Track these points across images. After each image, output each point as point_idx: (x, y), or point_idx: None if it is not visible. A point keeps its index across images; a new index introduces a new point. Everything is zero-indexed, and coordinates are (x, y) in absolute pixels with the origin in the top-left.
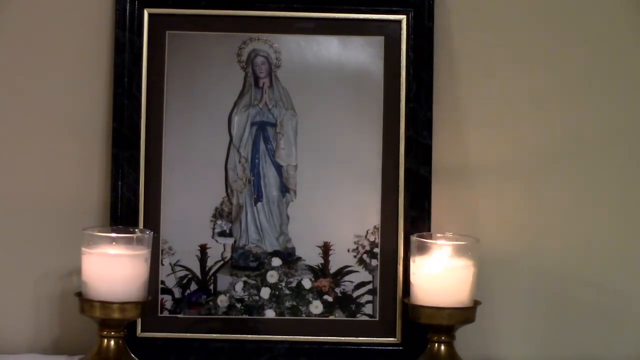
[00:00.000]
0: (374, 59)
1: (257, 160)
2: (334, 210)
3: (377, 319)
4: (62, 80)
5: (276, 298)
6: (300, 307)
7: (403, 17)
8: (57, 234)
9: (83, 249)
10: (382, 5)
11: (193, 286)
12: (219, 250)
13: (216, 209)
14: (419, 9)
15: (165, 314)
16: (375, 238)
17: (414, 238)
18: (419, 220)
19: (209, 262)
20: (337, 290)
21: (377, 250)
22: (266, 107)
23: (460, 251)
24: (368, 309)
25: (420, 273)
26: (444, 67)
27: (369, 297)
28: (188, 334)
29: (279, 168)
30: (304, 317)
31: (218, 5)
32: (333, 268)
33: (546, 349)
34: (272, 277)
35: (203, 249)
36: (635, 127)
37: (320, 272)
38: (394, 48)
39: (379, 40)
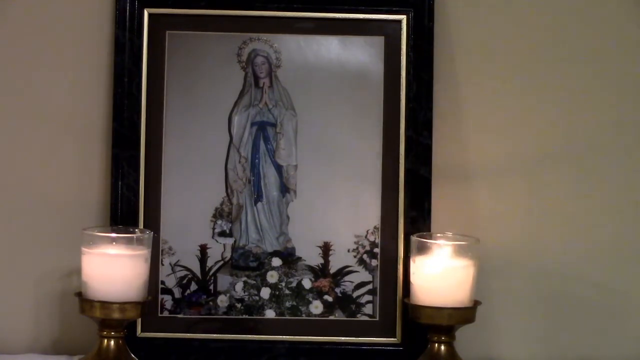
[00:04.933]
0: (374, 59)
1: (257, 160)
2: (334, 210)
3: (377, 319)
4: (62, 80)
5: (276, 298)
6: (300, 307)
7: (403, 17)
8: (57, 234)
9: (83, 249)
10: (382, 5)
11: (193, 286)
12: (219, 250)
13: (216, 209)
14: (419, 9)
15: (165, 314)
16: (375, 238)
17: (414, 238)
18: (419, 220)
19: (209, 262)
20: (337, 290)
21: (377, 250)
22: (266, 107)
23: (460, 251)
24: (368, 309)
25: (420, 273)
26: (444, 67)
27: (369, 297)
28: (188, 334)
29: (279, 168)
30: (304, 317)
31: (218, 5)
32: (333, 268)
33: (546, 349)
34: (272, 277)
35: (203, 249)
36: (636, 126)
37: (320, 272)
38: (394, 48)
39: (379, 40)
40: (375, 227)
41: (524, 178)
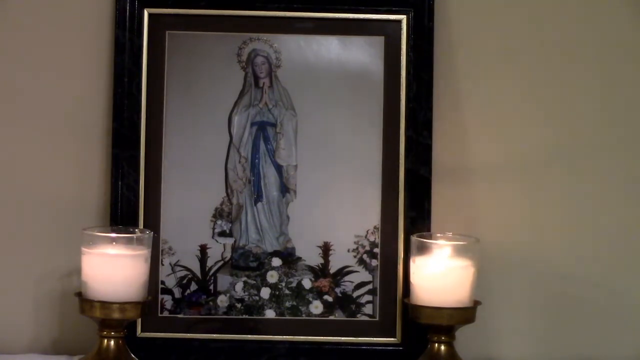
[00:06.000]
0: (374, 59)
1: (257, 160)
2: (334, 210)
3: (377, 319)
4: (62, 80)
5: (276, 298)
6: (300, 307)
7: (403, 17)
8: (57, 234)
9: (83, 249)
10: (382, 5)
11: (193, 286)
12: (219, 250)
13: (216, 209)
14: (419, 9)
15: (165, 314)
16: (375, 238)
17: (414, 238)
18: (419, 220)
19: (209, 262)
20: (337, 290)
21: (377, 250)
22: (266, 107)
23: (460, 251)
24: (368, 309)
25: (420, 273)
26: (444, 67)
27: (369, 297)
28: (188, 334)
29: (279, 168)
30: (304, 317)
31: (218, 5)
32: (333, 268)
33: (546, 349)
34: (272, 277)
35: (203, 249)
36: (635, 126)
37: (320, 272)
38: (394, 48)
39: (379, 40)
40: (375, 227)
41: (524, 178)
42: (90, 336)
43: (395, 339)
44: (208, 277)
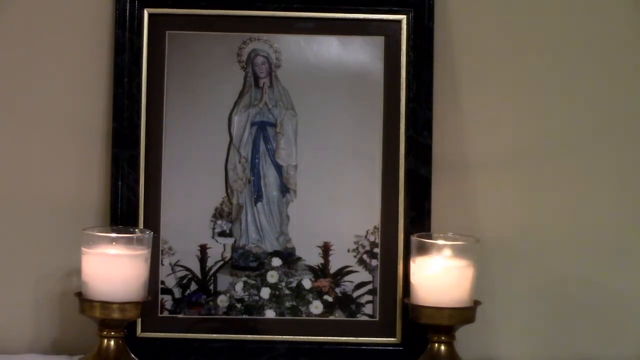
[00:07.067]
0: (374, 59)
1: (257, 160)
2: (334, 210)
3: (377, 319)
4: (62, 80)
5: (276, 298)
6: (300, 307)
7: (403, 17)
8: (57, 234)
9: (83, 249)
10: (382, 5)
11: (193, 286)
12: (219, 250)
13: (216, 209)
14: (419, 9)
15: (165, 314)
16: (375, 238)
17: (414, 238)
18: (419, 220)
19: (209, 262)
20: (337, 290)
21: (377, 250)
22: (266, 107)
23: (460, 251)
24: (368, 309)
25: (420, 273)
26: (444, 67)
27: (369, 297)
28: (188, 334)
29: (279, 168)
30: (304, 317)
31: (218, 5)
32: (333, 268)
33: (546, 349)
34: (272, 277)
35: (203, 249)
36: (635, 123)
37: (320, 272)
38: (394, 48)
39: (379, 40)
40: (375, 227)
41: (524, 178)
42: (90, 336)
43: (395, 339)
44: (208, 277)
